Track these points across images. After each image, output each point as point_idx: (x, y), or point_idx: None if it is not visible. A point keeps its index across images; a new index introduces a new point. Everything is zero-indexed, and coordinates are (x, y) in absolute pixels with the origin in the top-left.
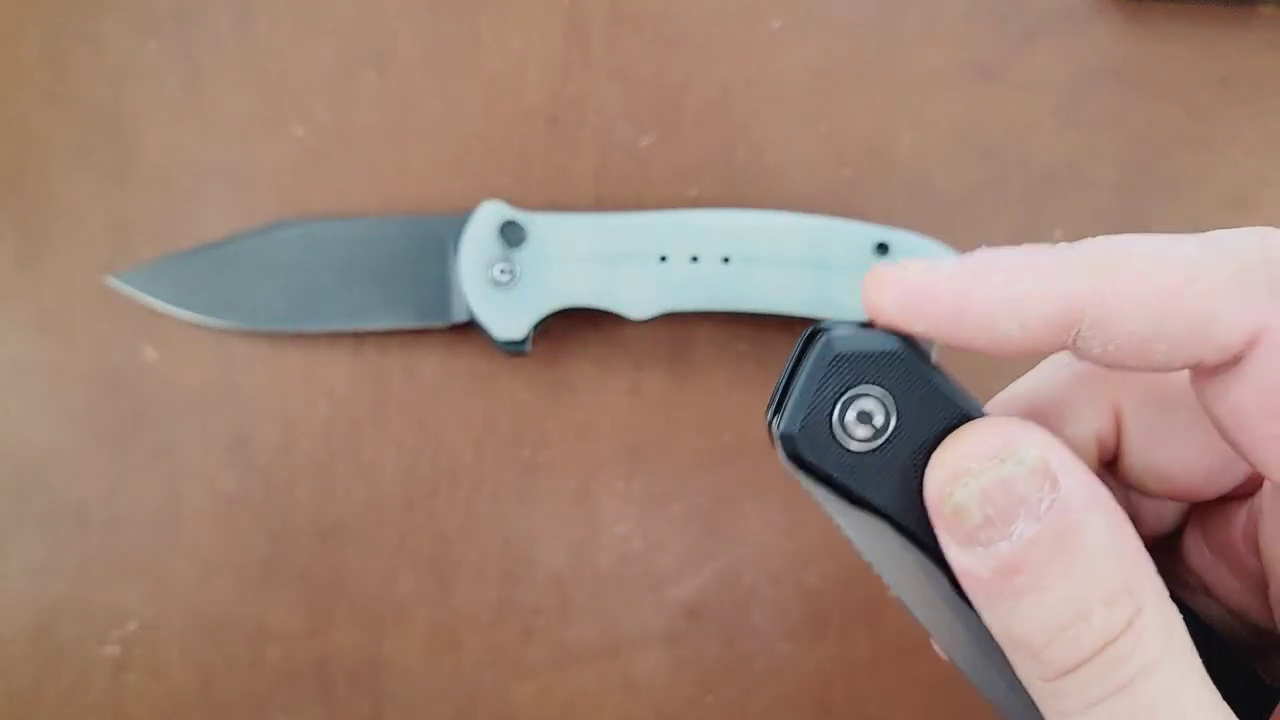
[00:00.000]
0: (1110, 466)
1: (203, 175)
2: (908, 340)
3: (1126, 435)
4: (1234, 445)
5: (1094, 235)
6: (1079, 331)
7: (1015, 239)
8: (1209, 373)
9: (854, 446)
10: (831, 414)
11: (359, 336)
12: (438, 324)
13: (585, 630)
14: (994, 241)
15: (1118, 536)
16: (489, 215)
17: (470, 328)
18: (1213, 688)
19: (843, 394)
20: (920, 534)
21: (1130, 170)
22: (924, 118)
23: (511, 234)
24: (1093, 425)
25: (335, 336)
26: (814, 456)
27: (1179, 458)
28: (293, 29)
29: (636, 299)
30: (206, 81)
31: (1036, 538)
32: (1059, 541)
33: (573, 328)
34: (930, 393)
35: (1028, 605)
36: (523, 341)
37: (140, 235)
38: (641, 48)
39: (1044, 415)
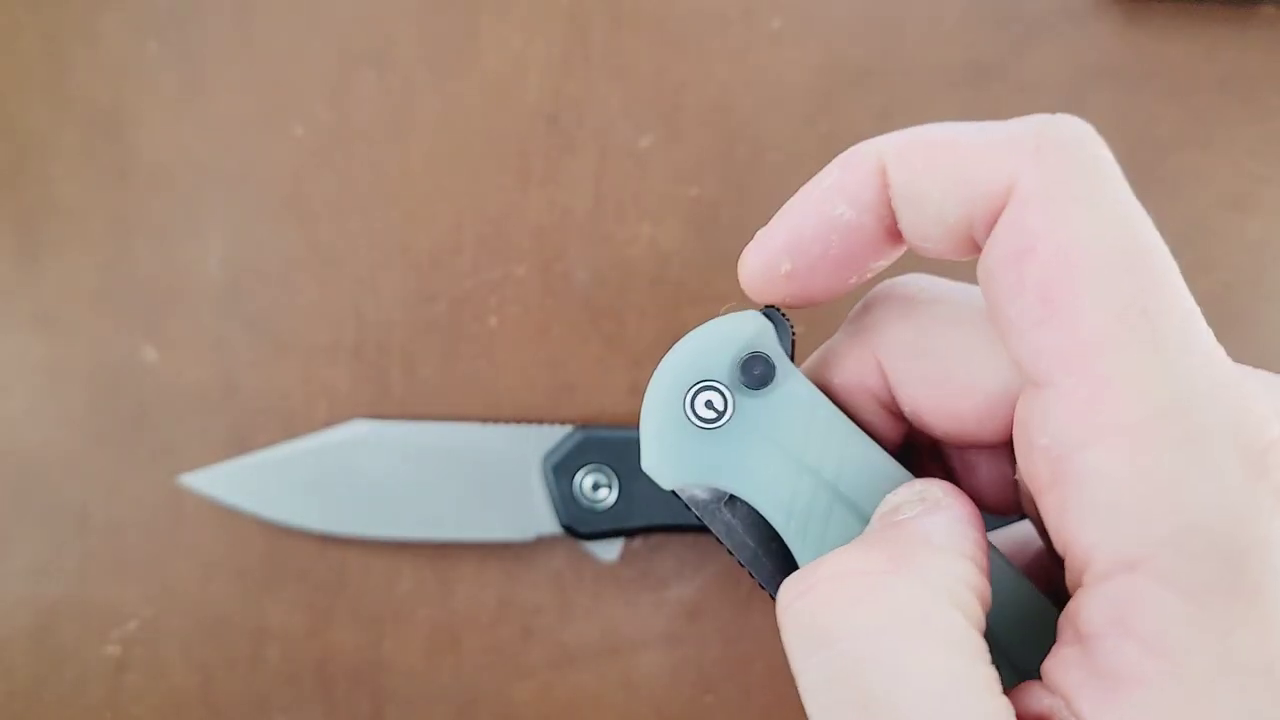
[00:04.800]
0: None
1: (203, 174)
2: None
3: (893, 384)
4: (1000, 332)
5: None
6: (894, 205)
7: None
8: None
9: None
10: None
11: (359, 335)
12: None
13: (585, 630)
14: None
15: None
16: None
17: None
18: (989, 681)
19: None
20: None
21: (1130, 170)
22: (924, 118)
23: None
24: (858, 375)
25: (334, 348)
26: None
27: (942, 402)
28: (293, 29)
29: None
30: (206, 81)
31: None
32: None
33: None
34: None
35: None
36: None
37: (140, 235)
38: (641, 48)
39: (827, 371)
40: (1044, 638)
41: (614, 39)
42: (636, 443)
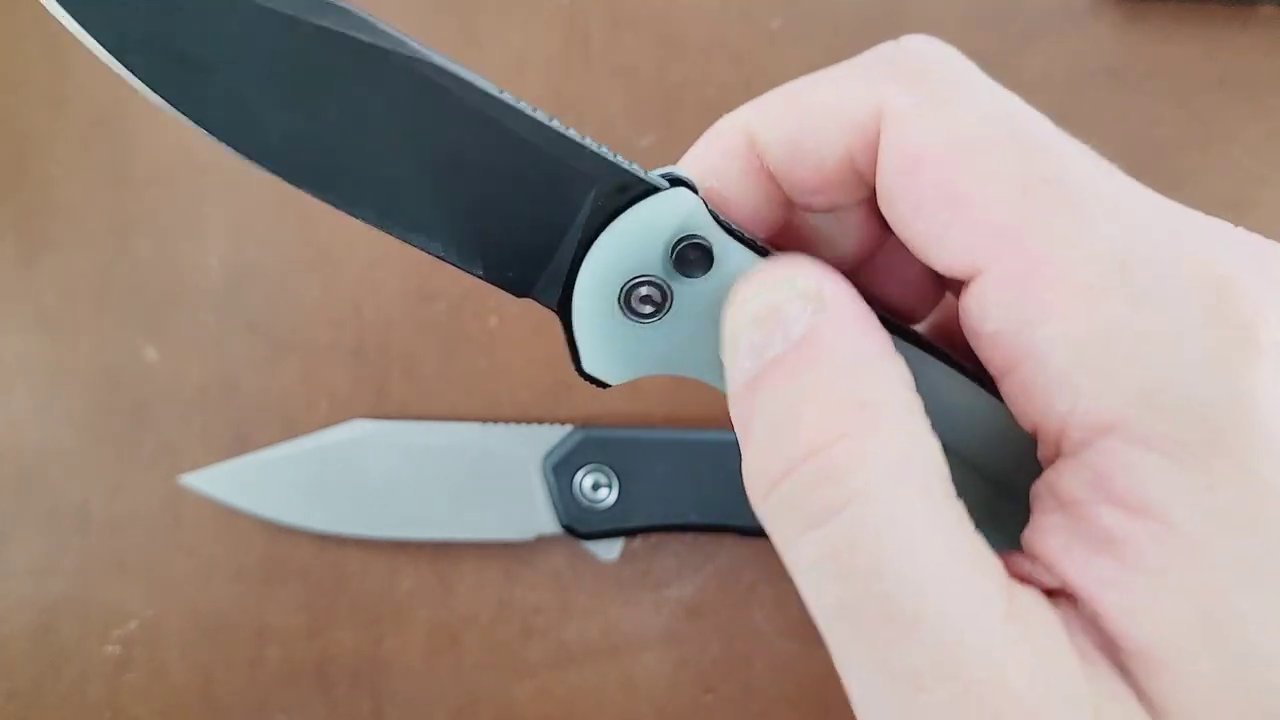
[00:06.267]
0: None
1: (203, 175)
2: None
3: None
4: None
5: None
6: (771, 167)
7: None
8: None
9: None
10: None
11: (359, 335)
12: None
13: (585, 630)
14: None
15: (867, 355)
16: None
17: None
18: (961, 519)
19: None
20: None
21: (1130, 170)
22: None
23: None
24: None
25: (334, 348)
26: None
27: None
28: None
29: None
30: None
31: (783, 355)
32: (804, 359)
33: None
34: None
35: (760, 419)
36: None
37: (140, 235)
38: (641, 47)
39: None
40: (982, 427)
41: (614, 39)
42: (638, 443)
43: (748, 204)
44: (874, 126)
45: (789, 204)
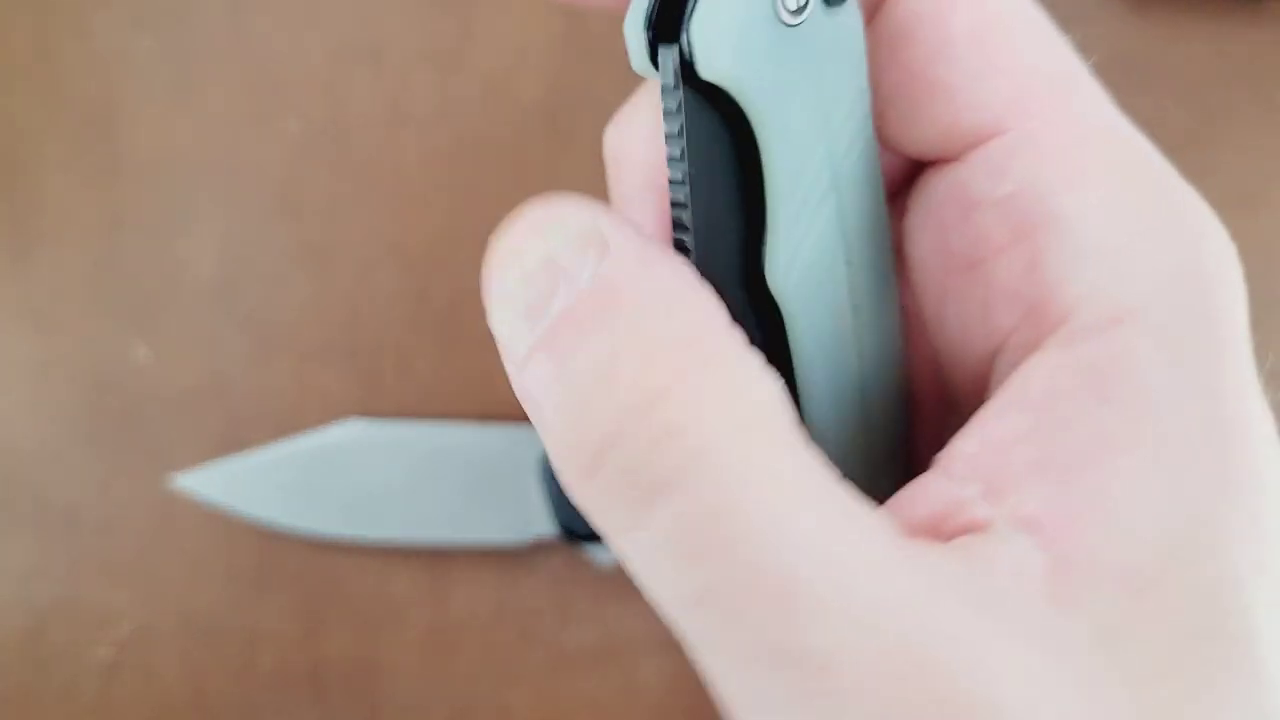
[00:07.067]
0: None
1: (195, 171)
2: None
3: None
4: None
5: None
6: None
7: None
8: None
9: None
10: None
11: (353, 334)
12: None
13: (584, 634)
14: None
15: (674, 290)
16: None
17: None
18: (822, 466)
19: None
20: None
21: None
22: None
23: None
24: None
25: (328, 347)
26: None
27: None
28: (286, 23)
29: None
30: (199, 76)
31: (573, 308)
32: (599, 308)
33: None
34: None
35: (559, 387)
36: None
37: (132, 232)
38: None
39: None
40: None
41: (613, 30)
42: None
43: None
44: None
45: None
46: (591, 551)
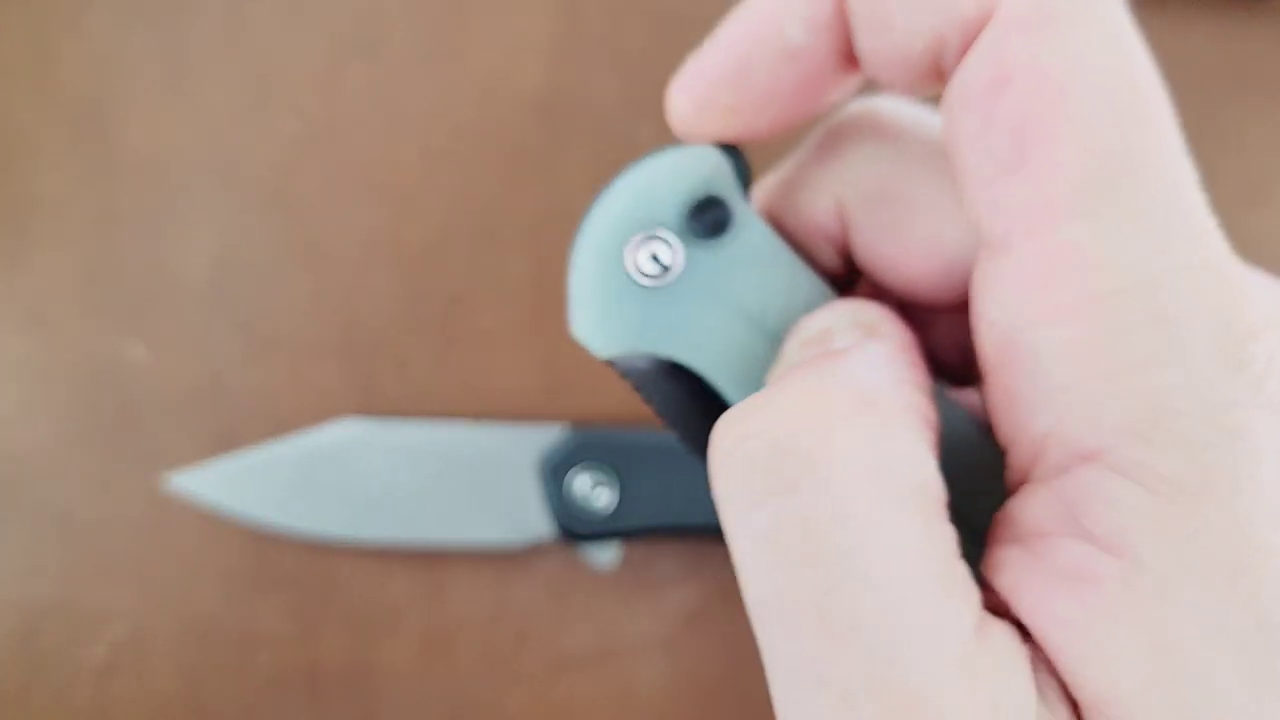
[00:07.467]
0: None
1: (190, 168)
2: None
3: (850, 231)
4: (958, 183)
5: None
6: (853, 26)
7: None
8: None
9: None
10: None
11: (349, 332)
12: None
13: (581, 636)
14: None
15: (896, 378)
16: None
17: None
18: (947, 541)
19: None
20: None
21: None
22: None
23: None
24: (813, 216)
25: (324, 345)
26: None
27: (901, 259)
28: (282, 19)
29: None
30: (194, 73)
31: (815, 357)
32: (829, 358)
33: None
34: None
35: (766, 390)
36: None
37: (126, 230)
38: (638, 34)
39: (779, 208)
40: (990, 483)
41: (610, 25)
42: (636, 444)
43: (816, 59)
44: (979, 26)
45: (854, 68)
46: (589, 553)
